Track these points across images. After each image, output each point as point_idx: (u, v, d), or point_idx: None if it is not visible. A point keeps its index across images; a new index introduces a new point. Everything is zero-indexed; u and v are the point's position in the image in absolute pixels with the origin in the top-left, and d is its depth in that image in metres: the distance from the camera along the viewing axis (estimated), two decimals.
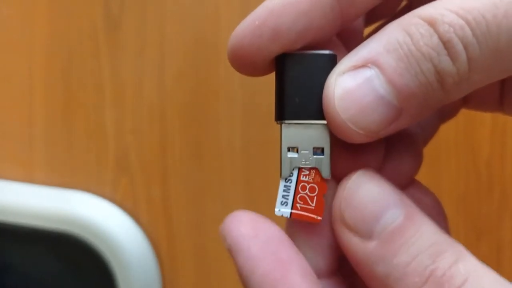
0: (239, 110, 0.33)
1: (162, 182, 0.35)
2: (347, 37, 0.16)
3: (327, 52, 0.15)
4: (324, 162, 0.15)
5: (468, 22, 0.12)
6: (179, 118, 0.34)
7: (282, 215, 0.15)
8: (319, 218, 0.15)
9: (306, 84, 0.14)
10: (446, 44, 0.13)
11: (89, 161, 0.35)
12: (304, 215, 0.15)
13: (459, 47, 0.13)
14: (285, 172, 0.15)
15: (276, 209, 0.15)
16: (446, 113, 0.20)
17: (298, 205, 0.15)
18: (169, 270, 0.35)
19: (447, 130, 0.21)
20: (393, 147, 0.17)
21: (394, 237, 0.13)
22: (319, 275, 0.15)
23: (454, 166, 0.31)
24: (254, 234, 0.14)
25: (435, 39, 0.13)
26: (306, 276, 0.14)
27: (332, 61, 0.15)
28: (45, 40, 0.35)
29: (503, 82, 0.18)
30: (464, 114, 0.21)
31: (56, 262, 0.35)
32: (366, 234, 0.13)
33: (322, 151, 0.15)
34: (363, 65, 0.13)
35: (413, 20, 0.13)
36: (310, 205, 0.15)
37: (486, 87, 0.16)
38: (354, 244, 0.14)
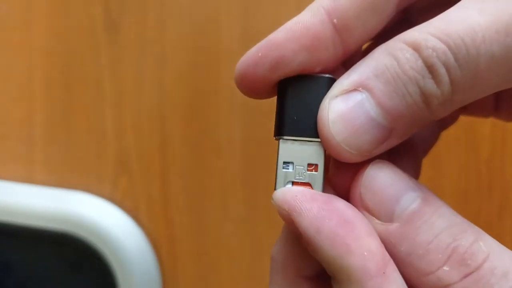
0: (239, 110, 0.33)
1: (162, 182, 0.35)
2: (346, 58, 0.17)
3: (325, 75, 0.16)
4: (317, 178, 0.15)
5: (449, 47, 0.13)
6: (179, 118, 0.34)
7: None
8: None
9: (305, 104, 0.15)
10: (430, 68, 0.13)
11: (89, 161, 0.35)
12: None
13: (442, 70, 0.13)
14: (279, 186, 0.16)
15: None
16: (445, 121, 0.20)
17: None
18: (169, 269, 0.35)
19: (447, 128, 0.21)
20: (393, 161, 0.18)
21: (414, 218, 0.14)
22: (310, 274, 0.16)
23: (454, 164, 0.31)
24: (311, 198, 0.15)
25: (420, 63, 0.13)
26: (371, 233, 0.14)
27: (329, 84, 0.15)
28: (45, 40, 0.36)
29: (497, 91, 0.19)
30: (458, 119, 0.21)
31: (56, 262, 0.35)
32: (387, 217, 0.14)
33: (316, 167, 0.15)
34: (354, 89, 0.14)
35: (398, 45, 0.14)
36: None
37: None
38: (376, 227, 0.14)
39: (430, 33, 0.14)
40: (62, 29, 0.35)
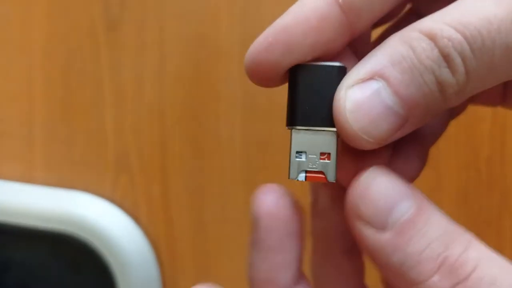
0: (239, 110, 0.33)
1: (162, 182, 0.35)
2: (356, 43, 0.17)
3: (337, 64, 0.16)
4: (330, 166, 0.16)
5: (465, 37, 0.13)
6: (179, 117, 0.34)
7: (297, 179, 0.16)
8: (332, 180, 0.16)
9: (316, 93, 0.16)
10: (446, 57, 0.14)
11: (89, 160, 0.35)
12: (319, 176, 0.16)
13: (458, 60, 0.14)
14: (293, 174, 0.16)
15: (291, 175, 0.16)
16: (455, 110, 0.21)
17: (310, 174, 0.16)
18: (169, 269, 0.35)
19: (456, 117, 0.21)
20: (400, 148, 0.18)
21: (407, 228, 0.14)
22: (284, 286, 0.16)
23: (454, 163, 0.31)
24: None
25: (436, 52, 0.14)
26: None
27: (341, 72, 0.16)
28: (44, 39, 0.36)
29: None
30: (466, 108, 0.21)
31: (56, 262, 0.35)
32: (380, 226, 0.14)
33: (328, 156, 0.16)
34: (370, 78, 0.14)
35: (414, 34, 0.14)
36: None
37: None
38: (369, 235, 0.14)
39: (446, 23, 0.14)
40: (62, 29, 0.35)
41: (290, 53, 0.15)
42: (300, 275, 0.17)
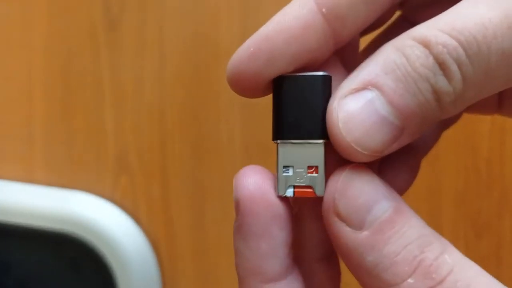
0: (239, 110, 0.33)
1: (162, 182, 0.35)
2: (343, 52, 0.17)
3: (320, 73, 0.15)
4: (318, 180, 0.15)
5: (460, 43, 0.13)
6: (179, 117, 0.34)
7: (286, 195, 0.15)
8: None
9: (301, 104, 0.15)
10: (441, 65, 0.13)
11: (89, 161, 0.35)
12: (307, 191, 0.15)
13: (454, 67, 0.13)
14: (281, 191, 0.15)
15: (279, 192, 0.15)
16: (447, 120, 0.20)
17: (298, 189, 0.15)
18: (169, 269, 0.35)
19: (449, 128, 0.21)
20: (391, 160, 0.17)
21: (384, 228, 0.14)
22: (272, 277, 0.16)
23: (453, 164, 0.31)
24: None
25: (431, 60, 0.13)
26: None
27: (325, 82, 0.15)
28: (44, 39, 0.36)
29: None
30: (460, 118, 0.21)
31: (56, 262, 0.35)
32: (358, 225, 0.14)
33: (316, 169, 0.15)
34: (363, 88, 0.14)
35: (407, 41, 0.14)
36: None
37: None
38: (345, 234, 0.14)
39: (439, 29, 0.13)
40: (62, 29, 0.35)
41: (272, 63, 0.15)
42: (290, 264, 0.16)
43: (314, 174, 0.15)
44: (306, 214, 0.17)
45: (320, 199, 0.15)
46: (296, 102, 0.15)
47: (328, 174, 0.15)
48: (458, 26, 0.13)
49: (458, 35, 0.13)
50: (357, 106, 0.14)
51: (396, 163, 0.18)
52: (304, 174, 0.15)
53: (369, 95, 0.14)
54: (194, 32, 0.33)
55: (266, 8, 0.32)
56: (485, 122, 0.30)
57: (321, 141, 0.15)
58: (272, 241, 0.15)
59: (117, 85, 0.35)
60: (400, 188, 0.18)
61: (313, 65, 0.16)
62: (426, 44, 0.13)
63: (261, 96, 0.16)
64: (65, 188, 0.36)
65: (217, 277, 0.35)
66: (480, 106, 0.19)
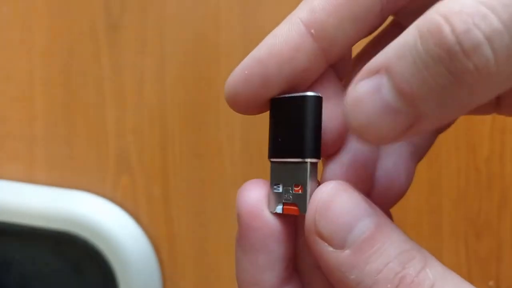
0: None
1: (162, 182, 0.35)
2: (337, 64, 0.17)
3: (309, 94, 0.15)
4: (302, 198, 0.15)
5: (493, 9, 0.11)
6: (179, 117, 0.34)
7: (275, 211, 0.16)
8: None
9: (291, 124, 0.15)
10: (459, 37, 0.11)
11: (90, 160, 0.35)
12: (292, 208, 0.16)
13: (478, 38, 0.11)
14: (271, 207, 0.16)
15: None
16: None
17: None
18: (169, 269, 0.35)
19: (444, 131, 0.21)
20: (386, 165, 0.17)
21: (365, 246, 0.14)
22: (278, 286, 0.16)
23: (454, 164, 0.31)
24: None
25: (446, 34, 0.12)
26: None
27: (314, 102, 0.15)
28: (45, 40, 0.36)
29: None
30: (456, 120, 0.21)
31: (57, 262, 0.35)
32: (339, 244, 0.14)
33: (302, 188, 0.15)
34: (376, 71, 0.13)
35: (428, 15, 0.12)
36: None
37: None
38: (327, 253, 0.14)
39: (464, 3, 0.12)
40: (62, 29, 0.35)
41: (266, 85, 0.15)
42: (288, 275, 0.16)
43: (300, 192, 0.15)
44: (302, 223, 0.17)
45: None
46: (286, 122, 0.15)
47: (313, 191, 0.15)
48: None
49: (489, 1, 0.11)
50: (364, 90, 0.13)
51: (392, 168, 0.17)
52: (291, 192, 0.15)
53: (379, 80, 0.13)
54: (194, 32, 0.33)
55: (266, 8, 0.32)
56: (485, 122, 0.30)
57: (307, 160, 0.15)
58: (269, 256, 0.16)
59: (118, 85, 0.35)
60: (396, 194, 0.18)
61: (308, 80, 0.16)
62: (447, 16, 0.12)
63: (260, 113, 0.17)
64: (65, 188, 0.36)
65: (217, 276, 0.35)
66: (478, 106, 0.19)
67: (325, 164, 0.17)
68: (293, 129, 0.15)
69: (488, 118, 0.30)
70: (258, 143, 0.33)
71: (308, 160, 0.15)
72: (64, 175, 0.36)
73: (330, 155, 0.16)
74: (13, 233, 0.35)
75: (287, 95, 0.16)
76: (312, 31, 0.15)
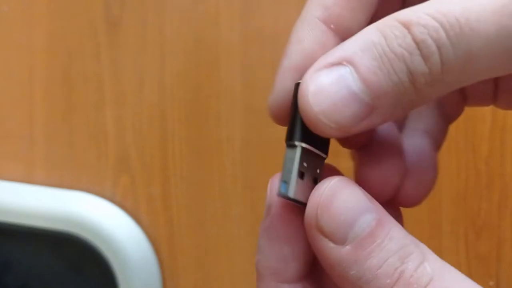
0: (239, 110, 0.33)
1: (162, 182, 0.35)
2: None
3: None
4: (291, 180, 0.15)
5: (442, 24, 0.13)
6: (179, 117, 0.34)
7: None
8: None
9: (296, 109, 0.16)
10: (419, 44, 0.13)
11: (89, 161, 0.35)
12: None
13: (433, 47, 0.13)
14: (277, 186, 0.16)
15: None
16: (451, 113, 0.20)
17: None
18: (169, 269, 0.35)
19: (453, 121, 0.21)
20: (411, 161, 0.18)
21: (366, 242, 0.14)
22: (290, 279, 0.16)
23: (454, 163, 0.31)
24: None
25: (409, 40, 0.13)
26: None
27: None
28: (45, 39, 0.36)
29: (497, 79, 0.19)
30: (463, 111, 0.21)
31: (56, 262, 0.35)
32: (340, 240, 0.14)
33: (291, 170, 0.16)
34: (338, 63, 0.14)
35: (389, 22, 0.14)
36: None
37: (482, 85, 0.17)
38: (328, 249, 0.14)
39: (424, 12, 0.13)
40: (62, 29, 0.35)
41: None
42: (307, 271, 0.16)
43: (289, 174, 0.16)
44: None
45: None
46: (295, 107, 0.16)
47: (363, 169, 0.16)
48: (443, 9, 0.13)
49: (441, 17, 0.13)
50: (329, 79, 0.14)
51: (419, 161, 0.18)
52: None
53: (343, 70, 0.14)
54: (194, 32, 0.33)
55: (266, 8, 0.32)
56: (485, 122, 0.30)
57: (297, 143, 0.15)
58: (295, 247, 0.16)
59: (118, 85, 0.35)
60: (429, 187, 0.18)
61: None
62: (407, 25, 0.13)
63: None
64: (65, 188, 0.36)
65: (217, 276, 0.35)
66: (476, 98, 0.20)
67: (358, 157, 0.17)
68: (296, 114, 0.16)
69: (488, 118, 0.30)
70: (258, 143, 0.33)
71: (297, 143, 0.15)
72: (63, 175, 0.36)
73: (358, 147, 0.17)
74: (13, 233, 0.35)
75: (299, 81, 0.16)
76: (332, 26, 0.16)
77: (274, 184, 0.16)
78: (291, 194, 0.15)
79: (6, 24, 0.36)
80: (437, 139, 0.20)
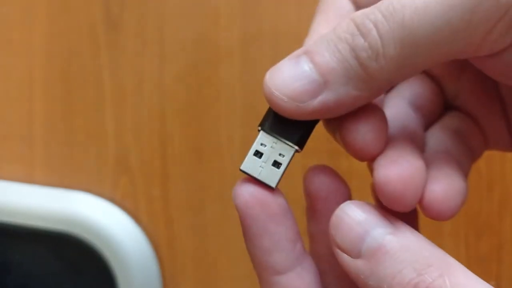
0: (239, 110, 0.33)
1: (162, 182, 0.35)
2: None
3: None
4: (276, 174, 0.17)
5: (378, 8, 0.15)
6: (179, 118, 0.34)
7: (246, 172, 0.18)
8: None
9: None
10: (359, 26, 0.15)
11: (89, 161, 0.35)
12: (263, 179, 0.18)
13: (369, 25, 0.15)
14: (244, 167, 0.18)
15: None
16: (474, 154, 0.21)
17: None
18: (169, 270, 0.35)
19: (476, 161, 0.22)
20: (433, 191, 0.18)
21: (378, 253, 0.15)
22: (285, 269, 0.17)
23: None
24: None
25: (351, 26, 0.15)
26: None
27: None
28: (44, 39, 0.36)
29: (508, 119, 0.20)
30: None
31: (56, 262, 0.35)
32: (355, 254, 0.15)
33: (279, 165, 0.17)
34: (297, 56, 0.16)
35: (341, 22, 0.16)
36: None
37: (496, 123, 0.19)
38: (347, 262, 0.15)
39: (368, 8, 0.16)
40: (62, 29, 0.35)
41: None
42: (297, 256, 0.17)
43: (275, 169, 0.17)
44: (318, 210, 0.18)
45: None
46: None
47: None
48: (385, 2, 0.15)
49: (378, 5, 0.15)
50: (285, 63, 0.16)
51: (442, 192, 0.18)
52: (268, 165, 0.17)
53: (299, 58, 0.16)
54: (194, 32, 0.33)
55: (266, 8, 0.32)
56: None
57: (296, 147, 0.17)
58: (272, 238, 0.17)
59: (118, 85, 0.35)
60: (457, 198, 0.18)
61: None
62: (352, 18, 0.16)
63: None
64: (65, 188, 0.36)
65: (217, 277, 0.35)
66: (495, 142, 0.21)
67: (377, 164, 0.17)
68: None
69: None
70: None
71: (297, 148, 0.17)
72: (63, 175, 0.36)
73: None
74: (13, 233, 0.35)
75: None
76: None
77: (237, 190, 0.18)
78: (242, 166, 0.17)
79: (5, 24, 0.36)
80: (464, 166, 0.20)
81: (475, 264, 0.31)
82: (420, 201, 0.16)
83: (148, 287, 0.34)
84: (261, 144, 0.18)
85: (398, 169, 0.16)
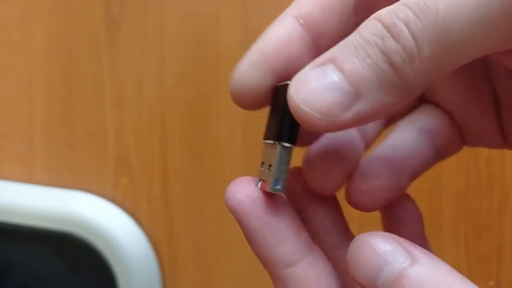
0: (239, 110, 0.33)
1: (162, 182, 0.35)
2: None
3: (288, 82, 0.16)
4: (270, 176, 0.17)
5: (407, 5, 0.14)
6: (179, 118, 0.34)
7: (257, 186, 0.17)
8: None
9: (276, 109, 0.17)
10: (388, 27, 0.14)
11: (89, 161, 0.35)
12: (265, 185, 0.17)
13: (401, 26, 0.14)
14: (256, 182, 0.17)
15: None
16: (444, 150, 0.21)
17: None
18: (169, 269, 0.35)
19: (445, 158, 0.22)
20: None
21: (396, 285, 0.14)
22: (294, 261, 0.17)
23: (454, 164, 0.31)
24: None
25: (380, 27, 0.14)
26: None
27: None
28: (45, 40, 0.36)
29: (500, 118, 0.19)
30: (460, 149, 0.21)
31: (56, 262, 0.35)
32: (372, 285, 0.15)
33: (271, 167, 0.17)
34: (322, 64, 0.15)
35: (365, 21, 0.15)
36: None
37: (481, 121, 0.18)
38: None
39: (394, 5, 0.14)
40: (62, 29, 0.35)
41: (267, 74, 0.17)
42: (304, 247, 0.17)
43: (269, 172, 0.17)
44: (310, 205, 0.18)
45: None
46: (277, 107, 0.17)
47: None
48: None
49: (407, 2, 0.14)
50: (311, 74, 0.15)
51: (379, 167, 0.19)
52: (267, 170, 0.17)
53: (326, 67, 0.15)
54: (194, 32, 0.33)
55: (266, 8, 0.32)
56: None
57: (276, 142, 0.16)
58: (273, 232, 0.16)
59: (118, 86, 0.35)
60: (378, 193, 0.19)
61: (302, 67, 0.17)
62: (378, 18, 0.14)
63: (261, 107, 0.17)
64: (65, 188, 0.36)
65: (217, 277, 0.35)
66: (479, 135, 0.20)
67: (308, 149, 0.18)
68: (277, 114, 0.16)
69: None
70: (258, 143, 0.33)
71: (278, 143, 0.16)
72: (63, 175, 0.36)
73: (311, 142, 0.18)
74: (13, 233, 0.35)
75: (282, 83, 0.17)
76: (301, 21, 0.17)
77: (228, 193, 0.17)
78: (284, 190, 0.17)
79: (6, 24, 0.36)
80: (416, 169, 0.20)
81: (475, 264, 0.31)
82: (346, 194, 0.18)
83: (148, 287, 0.34)
84: (264, 155, 0.17)
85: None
